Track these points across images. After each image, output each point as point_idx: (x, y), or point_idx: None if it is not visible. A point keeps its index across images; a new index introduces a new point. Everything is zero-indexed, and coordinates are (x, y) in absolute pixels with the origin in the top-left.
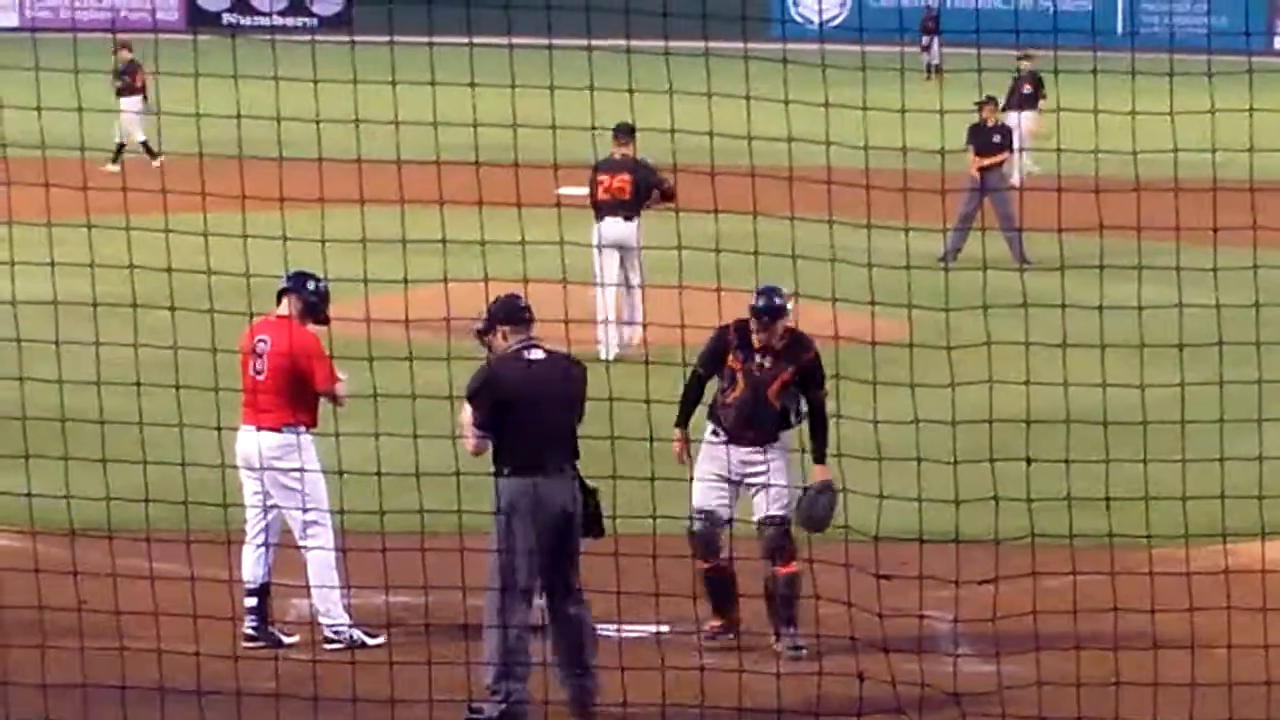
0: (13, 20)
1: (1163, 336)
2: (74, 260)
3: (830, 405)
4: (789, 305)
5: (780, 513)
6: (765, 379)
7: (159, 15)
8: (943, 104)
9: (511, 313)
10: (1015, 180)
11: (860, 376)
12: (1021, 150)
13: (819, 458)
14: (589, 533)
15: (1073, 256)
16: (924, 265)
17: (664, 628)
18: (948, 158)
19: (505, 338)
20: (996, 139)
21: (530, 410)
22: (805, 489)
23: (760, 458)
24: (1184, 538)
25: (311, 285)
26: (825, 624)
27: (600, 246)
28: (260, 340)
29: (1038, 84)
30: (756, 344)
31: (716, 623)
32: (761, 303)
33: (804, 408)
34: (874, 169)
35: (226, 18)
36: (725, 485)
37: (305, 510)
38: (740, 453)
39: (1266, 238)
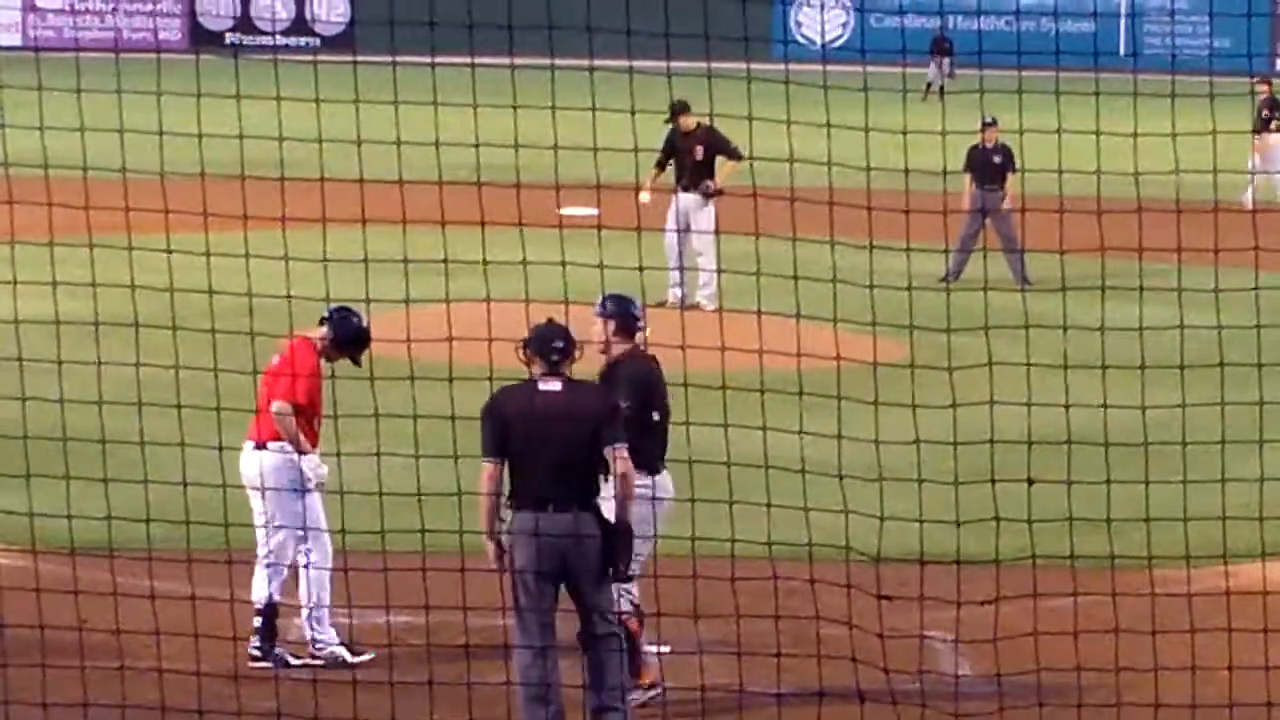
0: (15, 40)
1: (1164, 358)
2: (76, 280)
3: (831, 425)
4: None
5: None
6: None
7: (161, 35)
8: (945, 125)
9: (536, 341)
10: (1246, 200)
11: (862, 397)
12: (1259, 173)
13: None
14: (606, 572)
15: (1074, 277)
16: (925, 286)
17: (665, 648)
18: (949, 178)
19: (533, 363)
20: (997, 160)
21: (533, 443)
22: None
23: None
24: (1185, 559)
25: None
26: (826, 645)
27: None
28: (277, 354)
29: (1274, 108)
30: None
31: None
32: (622, 306)
33: None
34: (876, 189)
35: (229, 37)
36: None
37: (300, 527)
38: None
39: (1267, 259)
